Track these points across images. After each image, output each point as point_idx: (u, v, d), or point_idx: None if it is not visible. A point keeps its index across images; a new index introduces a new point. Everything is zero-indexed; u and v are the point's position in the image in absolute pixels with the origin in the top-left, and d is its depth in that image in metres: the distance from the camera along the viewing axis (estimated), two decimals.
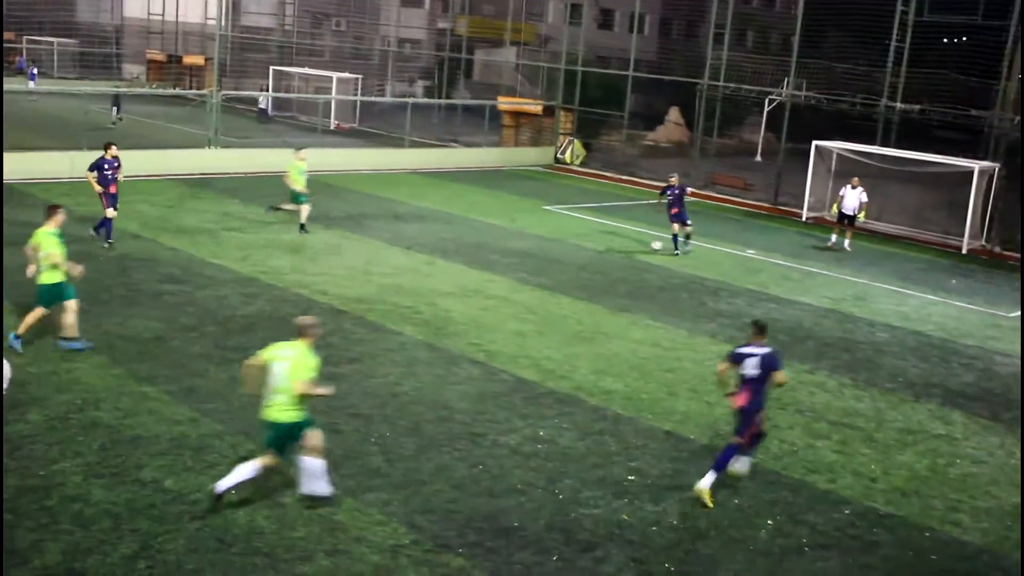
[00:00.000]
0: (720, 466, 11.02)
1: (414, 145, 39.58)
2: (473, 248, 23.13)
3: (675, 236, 24.17)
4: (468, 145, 42.83)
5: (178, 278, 18.25)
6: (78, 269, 13.98)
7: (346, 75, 52.92)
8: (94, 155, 28.54)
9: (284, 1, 64.28)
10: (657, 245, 24.73)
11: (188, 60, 62.48)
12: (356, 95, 51.65)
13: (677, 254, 24.03)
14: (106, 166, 20.31)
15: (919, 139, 33.13)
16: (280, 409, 9.78)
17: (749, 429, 11.06)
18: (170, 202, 25.72)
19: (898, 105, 32.49)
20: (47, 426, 11.38)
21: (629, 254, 24.12)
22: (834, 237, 27.60)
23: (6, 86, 34.34)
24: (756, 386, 10.96)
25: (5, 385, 11.58)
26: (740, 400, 11.02)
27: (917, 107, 32.23)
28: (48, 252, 13.60)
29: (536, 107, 43.56)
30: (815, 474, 11.79)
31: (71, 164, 27.96)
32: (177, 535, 9.23)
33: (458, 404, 13.17)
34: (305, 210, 23.25)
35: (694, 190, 24.56)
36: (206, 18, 61.13)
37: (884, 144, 32.30)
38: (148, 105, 50.01)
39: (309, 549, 9.21)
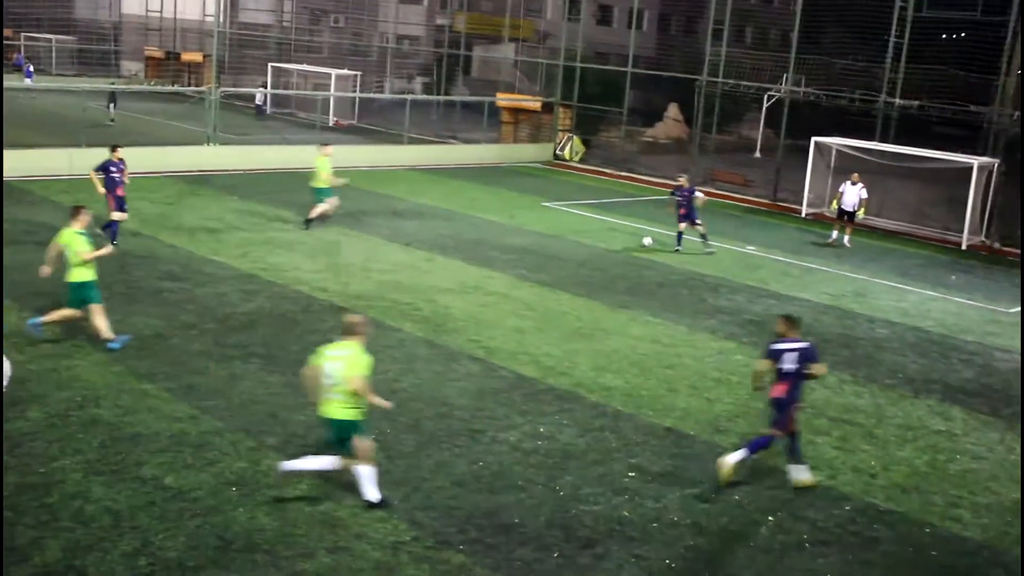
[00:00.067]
0: (753, 448, 11.20)
1: (413, 142, 39.56)
2: (472, 244, 23.12)
3: (680, 234, 24.19)
4: (467, 142, 42.78)
5: (178, 275, 18.24)
6: (108, 250, 14.64)
7: (345, 72, 52.88)
8: (93, 152, 28.62)
9: None
10: (648, 241, 24.75)
11: (186, 57, 62.39)
12: (355, 92, 51.62)
13: (679, 250, 24.04)
14: (113, 168, 20.20)
15: (918, 135, 33.13)
16: (338, 406, 9.85)
17: (786, 421, 11.15)
18: (169, 199, 25.70)
19: (897, 101, 32.47)
20: (47, 423, 11.37)
21: (628, 250, 24.11)
22: (834, 233, 27.59)
23: (4, 83, 34.24)
24: (793, 379, 11.09)
25: (5, 383, 11.59)
26: (777, 391, 11.09)
27: (916, 103, 32.21)
28: (77, 251, 13.66)
29: (535, 103, 43.53)
30: (815, 470, 11.78)
31: (70, 161, 27.95)
32: (177, 532, 9.23)
33: (457, 401, 13.17)
34: (322, 208, 23.12)
35: (700, 188, 24.50)
36: (204, 15, 61.08)
37: (883, 140, 32.29)
38: (146, 102, 49.94)
39: (310, 546, 9.21)
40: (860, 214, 27.08)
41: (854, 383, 15.38)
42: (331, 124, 46.68)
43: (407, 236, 23.43)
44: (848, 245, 26.99)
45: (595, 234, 25.83)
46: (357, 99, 50.96)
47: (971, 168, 28.83)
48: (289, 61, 58.37)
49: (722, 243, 25.21)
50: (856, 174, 27.45)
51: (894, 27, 32.33)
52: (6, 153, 25.67)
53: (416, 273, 19.96)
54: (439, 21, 65.35)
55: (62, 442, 10.91)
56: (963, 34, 36.79)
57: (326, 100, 47.63)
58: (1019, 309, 21.24)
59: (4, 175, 24.58)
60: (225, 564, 8.79)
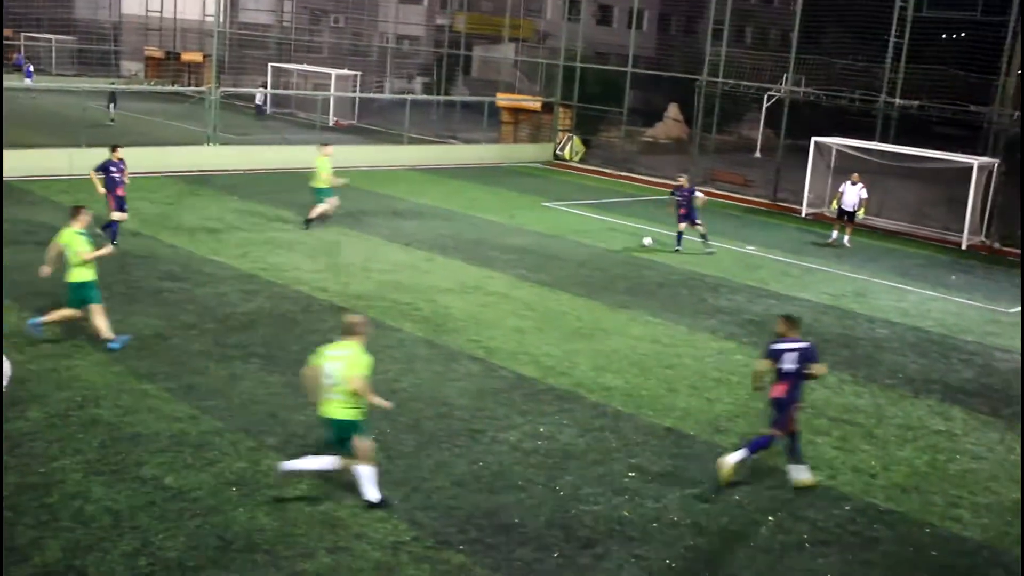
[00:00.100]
0: (753, 448, 11.22)
1: (413, 142, 39.56)
2: (472, 244, 23.12)
3: (680, 234, 24.19)
4: (467, 142, 42.79)
5: (178, 275, 18.24)
6: (108, 250, 14.60)
7: (345, 72, 52.88)
8: (93, 152, 28.62)
9: None
10: (648, 241, 24.76)
11: (186, 57, 62.39)
12: (355, 92, 51.62)
13: (679, 250, 24.05)
14: (113, 169, 20.18)
15: (918, 135, 33.13)
16: (338, 406, 9.86)
17: (786, 421, 11.16)
18: (169, 199, 25.70)
19: (897, 101, 32.47)
20: (47, 423, 11.37)
21: (628, 250, 24.11)
22: (834, 233, 27.60)
23: (4, 83, 34.24)
24: (793, 379, 11.10)
25: (5, 383, 11.59)
26: (777, 391, 11.10)
27: (916, 103, 32.21)
28: (77, 251, 13.66)
29: (535, 103, 43.53)
30: (815, 470, 11.78)
31: (70, 161, 27.94)
32: (177, 532, 9.23)
33: (457, 401, 13.17)
34: (322, 208, 23.11)
35: (699, 188, 24.52)
36: (204, 15, 61.08)
37: (883, 140, 32.29)
38: (147, 102, 49.95)
39: (310, 546, 9.21)
40: (860, 214, 27.08)
41: (854, 383, 15.38)
42: (331, 124, 46.69)
43: (407, 236, 23.43)
44: (848, 245, 26.99)
45: (595, 234, 25.83)
46: (357, 99, 50.96)
47: (971, 168, 28.83)
48: (289, 61, 58.37)
49: (722, 243, 25.22)
50: (856, 174, 27.46)
51: (894, 27, 32.34)
52: (6, 153, 25.67)
53: (416, 273, 19.96)
54: (439, 21, 65.36)
55: (62, 442, 10.92)
56: (963, 34, 36.79)
57: (326, 100, 47.63)
58: (1019, 309, 21.24)
59: (4, 175, 24.59)
60: (225, 564, 8.79)
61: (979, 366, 17.00)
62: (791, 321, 11.51)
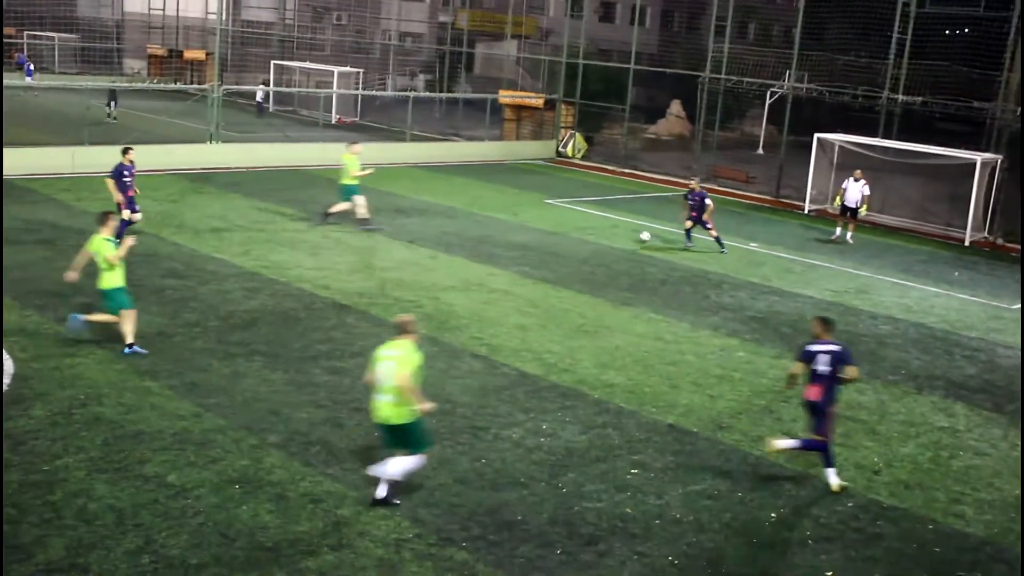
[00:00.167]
0: (806, 446, 11.32)
1: (415, 139, 39.56)
2: (475, 242, 23.12)
3: (688, 231, 24.25)
4: (469, 139, 42.79)
5: (180, 273, 18.25)
6: (131, 242, 14.37)
7: (347, 69, 52.91)
8: (95, 150, 28.73)
9: None
10: (645, 236, 24.77)
11: (189, 55, 62.44)
12: (357, 89, 51.60)
13: (690, 247, 24.22)
14: (127, 173, 20.17)
15: (921, 131, 33.11)
16: (389, 408, 9.88)
17: (827, 424, 11.19)
18: (172, 197, 25.71)
19: (900, 97, 32.43)
20: (50, 421, 11.39)
21: (631, 247, 24.09)
22: (837, 230, 27.58)
23: (5, 81, 34.25)
24: (828, 382, 11.10)
25: (6, 380, 11.61)
26: (813, 394, 11.11)
27: (919, 99, 32.17)
28: (104, 255, 13.65)
29: (537, 100, 43.52)
30: (818, 467, 11.77)
31: (72, 159, 27.99)
32: (180, 530, 9.24)
33: (460, 398, 13.17)
34: (346, 206, 23.07)
35: (708, 194, 24.57)
36: (207, 13, 61.06)
37: (886, 136, 32.26)
38: (149, 100, 49.97)
39: (313, 544, 9.22)
40: (863, 210, 27.05)
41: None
42: (333, 122, 46.69)
43: (410, 233, 23.43)
44: (851, 241, 26.97)
45: (598, 231, 25.82)
46: (359, 96, 50.96)
47: (974, 164, 28.77)
48: (292, 59, 58.40)
49: (725, 240, 25.17)
50: (859, 170, 27.43)
51: (897, 23, 32.29)
52: (8, 151, 25.70)
53: (419, 270, 19.96)
54: (442, 18, 65.32)
55: (65, 440, 10.93)
56: (966, 30, 36.73)
57: (328, 97, 47.62)
58: (1021, 305, 21.21)
59: (6, 173, 24.62)
60: (228, 562, 8.80)
61: (982, 362, 16.98)
62: (826, 323, 11.48)
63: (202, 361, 13.78)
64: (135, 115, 43.27)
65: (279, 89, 51.54)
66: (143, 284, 17.36)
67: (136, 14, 66.00)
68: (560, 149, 41.98)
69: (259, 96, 50.44)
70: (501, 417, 12.61)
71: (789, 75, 35.93)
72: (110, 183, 20.06)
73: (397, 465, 10.02)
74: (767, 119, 45.84)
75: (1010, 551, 10.32)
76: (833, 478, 11.30)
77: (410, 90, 56.64)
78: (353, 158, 23.32)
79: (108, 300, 13.83)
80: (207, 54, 59.06)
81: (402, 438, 10.01)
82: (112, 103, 42.35)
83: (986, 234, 29.82)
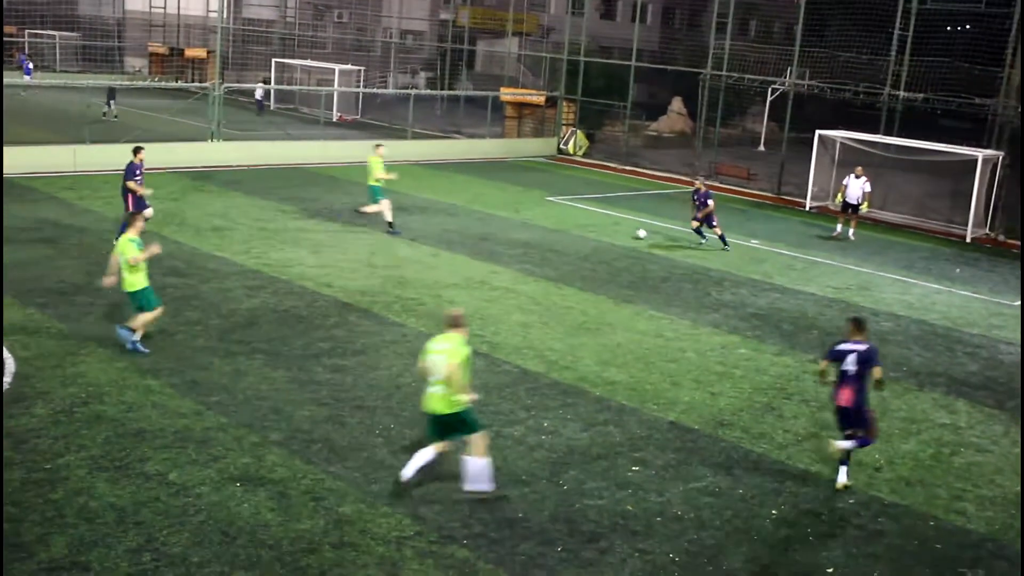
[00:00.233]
0: (861, 444, 11.29)
1: (417, 137, 39.55)
2: (477, 239, 23.12)
3: (697, 229, 24.31)
4: (471, 136, 42.79)
5: (182, 271, 18.25)
6: (155, 248, 14.09)
7: (348, 67, 52.86)
8: (96, 148, 28.77)
9: None
10: (642, 233, 24.77)
11: (190, 53, 62.43)
12: (358, 87, 51.58)
13: (703, 244, 24.35)
14: (138, 172, 20.16)
15: (923, 128, 33.05)
16: (438, 400, 10.07)
17: (869, 425, 11.22)
18: (173, 195, 25.71)
19: (901, 94, 32.40)
20: (52, 420, 11.40)
21: (633, 245, 24.08)
22: (839, 227, 27.56)
23: (6, 80, 34.25)
24: (856, 383, 11.10)
25: (7, 379, 11.62)
26: (844, 399, 11.12)
27: (921, 96, 32.14)
28: (127, 257, 13.63)
29: (539, 98, 43.50)
30: (820, 464, 11.78)
31: (74, 157, 27.99)
32: (182, 528, 9.25)
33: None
34: (375, 208, 23.05)
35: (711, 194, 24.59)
36: (208, 11, 61.08)
37: (888, 133, 32.24)
38: (150, 98, 49.98)
39: (314, 541, 9.22)
40: (864, 207, 27.04)
41: None
42: (335, 119, 46.68)
43: (412, 231, 23.43)
44: (852, 238, 26.96)
45: (600, 228, 25.81)
46: (361, 94, 50.93)
47: (976, 161, 28.75)
48: (293, 57, 58.39)
49: (726, 236, 25.17)
50: (860, 167, 27.43)
51: (898, 20, 32.27)
52: (9, 150, 25.71)
53: (421, 268, 19.96)
54: (443, 16, 65.27)
55: (67, 438, 10.94)
56: (967, 26, 36.70)
57: (330, 95, 47.60)
58: (1020, 303, 21.20)
59: (7, 172, 24.64)
60: (229, 560, 8.80)
61: (984, 359, 16.97)
62: (857, 323, 11.48)
63: (203, 359, 13.79)
64: (136, 113, 43.29)
65: (280, 87, 51.53)
66: None
67: (137, 12, 66.01)
68: (561, 146, 41.97)
69: (259, 94, 50.36)
70: (502, 415, 12.62)
71: (790, 72, 35.90)
72: (133, 185, 19.87)
73: (476, 474, 10.18)
74: (768, 116, 45.87)
75: (1011, 548, 10.32)
76: (842, 476, 11.30)
77: (411, 88, 56.59)
78: (378, 160, 23.35)
79: (134, 301, 13.86)
80: (208, 52, 59.07)
81: (452, 427, 10.19)
82: (111, 101, 42.35)
83: (988, 231, 29.80)
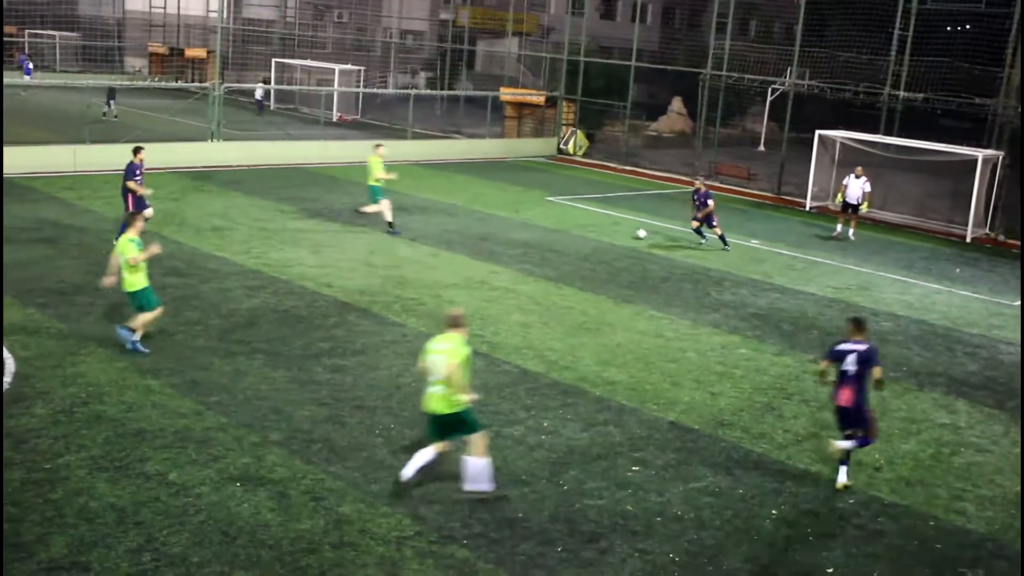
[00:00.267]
0: (861, 444, 11.28)
1: (417, 137, 39.55)
2: (477, 239, 23.12)
3: (697, 229, 24.31)
4: (471, 136, 42.79)
5: (182, 271, 18.25)
6: (155, 249, 14.05)
7: (348, 67, 52.86)
8: (96, 148, 28.76)
9: None
10: (642, 233, 24.78)
11: (190, 53, 62.42)
12: (358, 87, 51.57)
13: (703, 244, 24.35)
14: (138, 172, 20.15)
15: (923, 128, 33.06)
16: (438, 400, 10.09)
17: (869, 425, 11.21)
18: (173, 195, 25.71)
19: (902, 94, 32.39)
20: (52, 420, 11.40)
21: (633, 245, 24.08)
22: (839, 227, 27.57)
23: (6, 80, 34.25)
24: (856, 383, 11.10)
25: (7, 379, 11.62)
26: (844, 399, 11.11)
27: (921, 96, 32.14)
28: (126, 257, 13.63)
29: (538, 98, 43.50)
30: (819, 464, 11.78)
31: (74, 157, 27.98)
32: (182, 528, 9.25)
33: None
34: (376, 208, 23.03)
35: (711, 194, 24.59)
36: (208, 11, 61.07)
37: (888, 133, 32.24)
38: (150, 98, 49.98)
39: (314, 541, 9.22)
40: (864, 207, 27.04)
41: None
42: (335, 119, 46.67)
43: (412, 231, 23.43)
44: (852, 238, 26.96)
45: (599, 228, 25.81)
46: (361, 94, 50.92)
47: (976, 161, 28.75)
48: (293, 57, 58.39)
49: (726, 236, 25.17)
50: (860, 167, 27.43)
51: (898, 20, 32.27)
52: (9, 150, 25.70)
53: (421, 268, 19.96)
54: (443, 16, 65.27)
55: (67, 438, 10.94)
56: (967, 26, 36.69)
57: (329, 95, 47.60)
58: (1020, 303, 21.20)
59: (7, 172, 24.63)
60: (229, 560, 8.80)
61: (984, 359, 16.97)
62: (857, 323, 11.48)
63: (203, 359, 13.78)
64: (136, 113, 43.28)
65: (280, 87, 51.52)
66: None
67: (137, 12, 66.01)
68: (561, 146, 41.97)
69: (258, 94, 50.36)
70: (502, 415, 12.62)
71: (790, 72, 35.90)
72: (133, 185, 19.88)
73: (476, 474, 10.17)
74: (768, 116, 45.87)
75: (1011, 548, 10.32)
76: (843, 476, 11.30)
77: (411, 88, 56.60)
78: (378, 160, 23.34)
79: (135, 300, 13.86)
80: (208, 52, 59.06)
81: (452, 427, 10.20)
82: (111, 101, 42.33)
83: (988, 231, 29.80)
